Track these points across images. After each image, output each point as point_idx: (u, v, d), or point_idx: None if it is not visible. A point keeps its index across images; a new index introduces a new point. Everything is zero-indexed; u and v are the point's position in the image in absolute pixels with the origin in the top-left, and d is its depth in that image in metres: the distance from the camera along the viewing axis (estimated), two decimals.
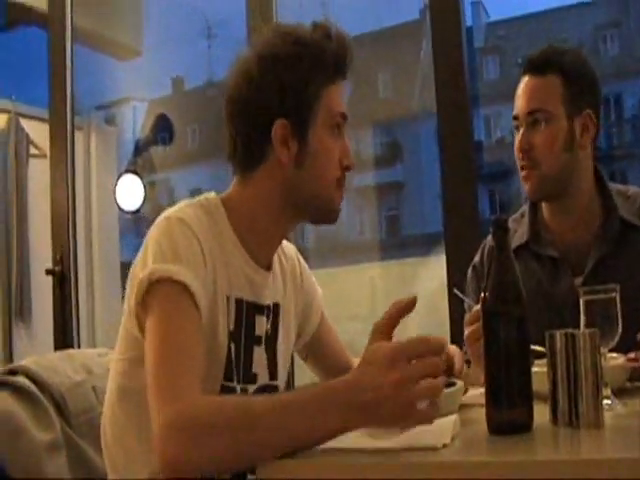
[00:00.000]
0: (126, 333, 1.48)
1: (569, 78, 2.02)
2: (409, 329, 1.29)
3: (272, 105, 1.49)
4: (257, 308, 1.57)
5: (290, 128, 1.50)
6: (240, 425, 1.17)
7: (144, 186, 5.01)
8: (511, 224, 2.08)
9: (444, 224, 3.03)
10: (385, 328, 1.21)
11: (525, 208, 2.18)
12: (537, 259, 2.08)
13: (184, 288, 1.36)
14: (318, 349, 1.84)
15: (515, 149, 2.05)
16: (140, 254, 1.44)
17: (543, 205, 2.13)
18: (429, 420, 1.15)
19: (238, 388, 1.51)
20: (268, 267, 1.61)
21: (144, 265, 1.40)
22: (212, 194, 1.58)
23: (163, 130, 6.65)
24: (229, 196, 1.57)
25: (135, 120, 8.39)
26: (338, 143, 1.54)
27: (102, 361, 1.87)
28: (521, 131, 2.04)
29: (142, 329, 1.39)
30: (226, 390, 1.47)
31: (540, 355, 1.46)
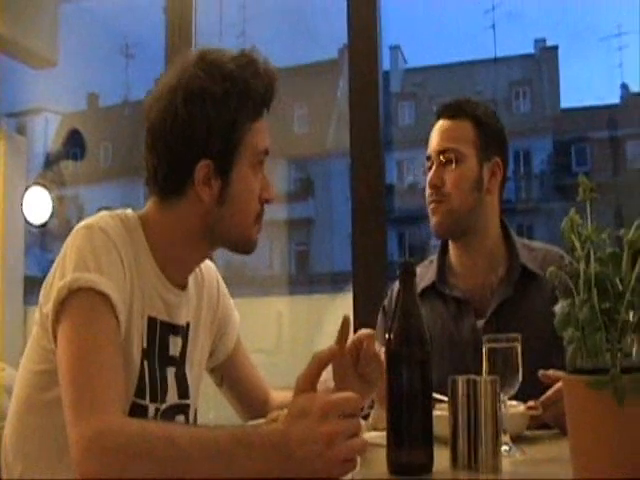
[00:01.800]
0: (37, 345, 1.45)
1: (480, 125, 2.15)
2: None
3: (197, 145, 1.49)
4: (172, 328, 1.57)
5: (213, 168, 1.50)
6: (162, 456, 1.16)
7: (52, 200, 4.92)
8: (420, 269, 2.14)
9: (353, 264, 3.06)
10: (310, 381, 1.23)
11: (434, 256, 2.25)
12: (443, 300, 2.15)
13: (105, 299, 1.35)
14: (233, 373, 1.83)
15: (427, 185, 2.14)
16: (58, 262, 1.42)
17: (451, 247, 2.21)
18: (349, 472, 1.18)
19: (150, 407, 1.50)
20: (183, 287, 1.61)
21: (62, 274, 1.37)
22: (129, 211, 1.57)
23: (75, 145, 6.54)
24: (146, 216, 1.56)
25: (47, 132, 8.23)
26: (259, 177, 1.56)
27: None
28: (433, 168, 2.14)
29: (56, 340, 1.36)
30: (137, 408, 1.46)
31: (441, 402, 1.49)
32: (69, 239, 1.44)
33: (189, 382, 1.62)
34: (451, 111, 2.17)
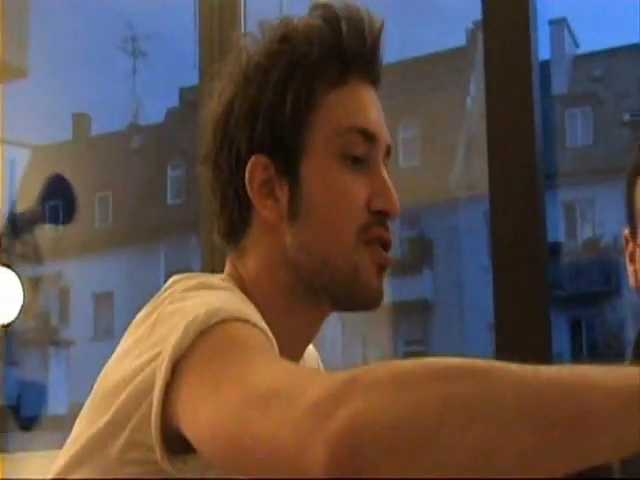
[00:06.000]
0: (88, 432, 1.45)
1: None
2: None
3: (241, 139, 1.52)
4: None
5: (273, 168, 1.52)
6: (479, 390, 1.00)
7: (22, 285, 5.01)
8: None
9: None
10: None
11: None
12: None
13: (264, 334, 1.33)
14: None
15: None
16: (139, 334, 1.38)
17: None
18: None
19: None
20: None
21: (160, 340, 1.31)
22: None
23: (56, 197, 6.68)
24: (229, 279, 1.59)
25: (12, 178, 8.45)
26: (360, 177, 1.54)
27: None
28: None
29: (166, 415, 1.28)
30: None
31: None
32: (152, 306, 1.42)
33: None
34: None
